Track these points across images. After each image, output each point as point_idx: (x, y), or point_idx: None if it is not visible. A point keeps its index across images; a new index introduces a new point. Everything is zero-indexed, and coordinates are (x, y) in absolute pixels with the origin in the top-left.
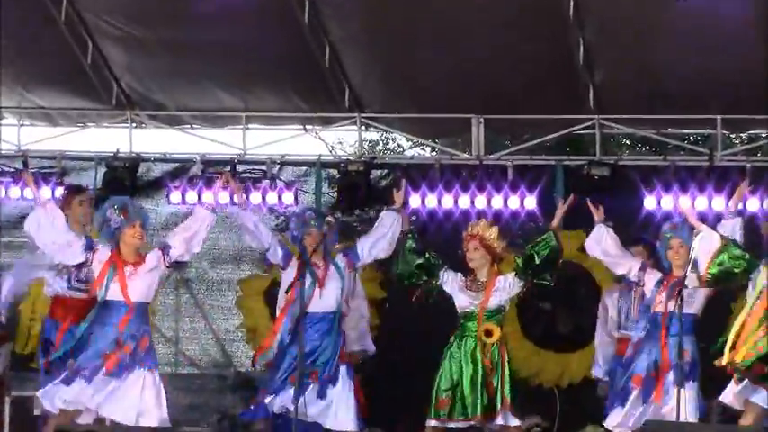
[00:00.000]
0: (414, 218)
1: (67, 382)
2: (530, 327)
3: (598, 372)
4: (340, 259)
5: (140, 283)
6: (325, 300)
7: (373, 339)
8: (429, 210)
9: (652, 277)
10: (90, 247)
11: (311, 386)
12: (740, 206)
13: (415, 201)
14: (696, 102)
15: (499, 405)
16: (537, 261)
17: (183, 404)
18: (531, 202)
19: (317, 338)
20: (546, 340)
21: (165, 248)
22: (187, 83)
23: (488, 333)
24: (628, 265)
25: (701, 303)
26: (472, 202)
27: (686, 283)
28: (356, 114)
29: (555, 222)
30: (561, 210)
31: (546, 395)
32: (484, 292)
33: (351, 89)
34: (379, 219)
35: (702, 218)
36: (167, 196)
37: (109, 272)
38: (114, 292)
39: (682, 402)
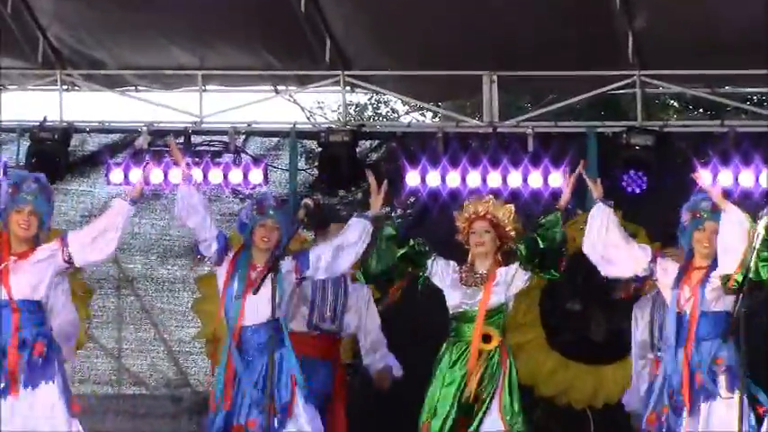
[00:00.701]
0: (412, 199)
1: None
2: (556, 333)
3: (629, 400)
4: (286, 262)
5: (25, 278)
6: (257, 308)
7: None
8: (430, 189)
9: (668, 269)
10: None
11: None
12: None
13: (413, 178)
14: (760, 53)
15: (478, 418)
16: (542, 244)
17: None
18: (556, 180)
19: (258, 357)
20: (576, 350)
21: (64, 239)
22: (130, 35)
23: (486, 338)
24: (633, 257)
25: (731, 298)
26: (484, 180)
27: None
28: (339, 72)
29: (563, 201)
30: (569, 183)
31: (577, 418)
32: (483, 287)
33: (333, 41)
34: (346, 226)
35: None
36: (106, 175)
37: None
38: None
39: (715, 419)
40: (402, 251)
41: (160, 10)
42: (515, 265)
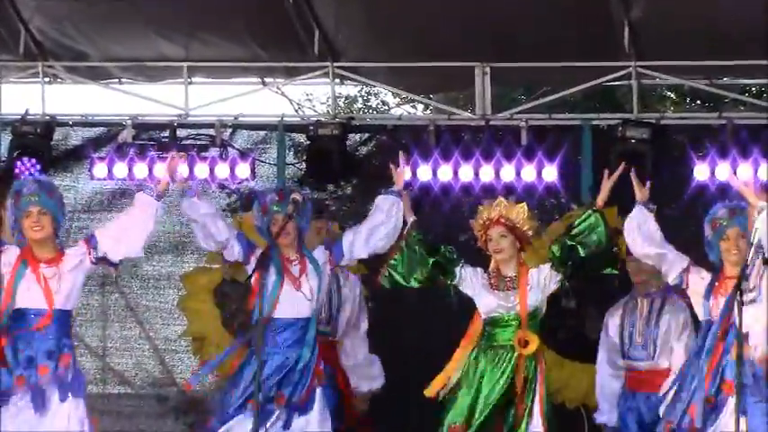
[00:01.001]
0: None
1: None
2: (550, 331)
3: (603, 418)
4: (320, 253)
5: (60, 286)
6: (296, 303)
7: None
8: (422, 183)
9: (700, 280)
10: None
11: (276, 413)
12: None
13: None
14: (759, 43)
15: (524, 427)
16: (582, 253)
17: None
18: (550, 173)
19: (285, 352)
20: (571, 348)
21: (90, 240)
22: (114, 26)
23: (525, 343)
24: (669, 262)
25: None
26: (476, 174)
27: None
28: (328, 63)
29: (600, 200)
30: (608, 182)
31: (571, 417)
32: (517, 291)
33: (321, 31)
34: (375, 205)
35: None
36: (90, 170)
37: (18, 273)
38: (26, 298)
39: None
40: (434, 259)
41: (146, 1)
42: (546, 267)
